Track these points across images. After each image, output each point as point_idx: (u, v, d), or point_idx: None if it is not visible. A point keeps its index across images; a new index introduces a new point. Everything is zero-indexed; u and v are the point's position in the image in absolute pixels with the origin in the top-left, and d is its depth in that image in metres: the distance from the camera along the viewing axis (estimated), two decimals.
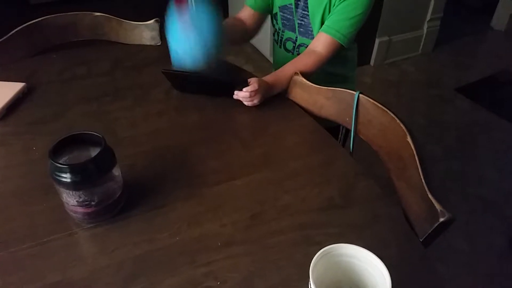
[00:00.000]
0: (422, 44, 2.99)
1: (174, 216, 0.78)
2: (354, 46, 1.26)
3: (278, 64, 1.34)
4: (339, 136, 1.22)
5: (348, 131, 1.31)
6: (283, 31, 1.27)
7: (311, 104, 1.09)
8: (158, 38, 1.38)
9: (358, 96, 0.98)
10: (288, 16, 1.24)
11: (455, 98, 2.63)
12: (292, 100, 1.11)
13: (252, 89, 1.01)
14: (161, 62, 1.28)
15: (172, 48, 1.00)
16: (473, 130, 2.40)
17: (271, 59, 2.48)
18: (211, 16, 0.99)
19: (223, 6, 3.01)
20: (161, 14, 1.42)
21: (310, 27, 1.20)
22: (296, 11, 1.21)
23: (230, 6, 2.97)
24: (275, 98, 1.09)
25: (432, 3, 2.81)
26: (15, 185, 0.85)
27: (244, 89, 1.02)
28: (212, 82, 1.08)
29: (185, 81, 1.09)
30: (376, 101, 0.95)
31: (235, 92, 1.04)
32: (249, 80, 1.03)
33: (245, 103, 1.04)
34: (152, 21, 1.36)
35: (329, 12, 1.15)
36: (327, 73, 1.21)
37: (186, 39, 0.97)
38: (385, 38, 2.79)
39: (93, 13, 1.41)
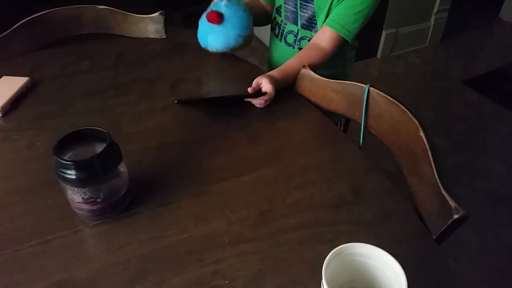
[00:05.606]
0: (429, 36, 2.95)
1: (181, 213, 0.76)
2: (356, 44, 1.24)
3: (275, 58, 1.32)
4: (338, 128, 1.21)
5: (347, 122, 1.30)
6: (285, 24, 1.25)
7: (320, 97, 1.06)
8: (163, 31, 1.35)
9: (369, 89, 0.96)
10: (292, 9, 1.22)
11: (462, 91, 2.60)
12: (300, 94, 1.09)
13: (269, 96, 1.01)
14: (166, 55, 1.27)
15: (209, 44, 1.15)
16: (481, 123, 2.37)
17: None
18: (243, 12, 1.12)
19: None
20: (162, 7, 1.41)
21: (314, 20, 1.18)
22: (301, 4, 1.19)
23: None
24: (283, 92, 1.07)
25: None
26: (19, 182, 0.83)
27: (260, 98, 1.01)
28: (225, 100, 1.06)
29: (200, 104, 1.07)
30: (388, 95, 0.93)
31: (250, 98, 1.02)
32: (258, 81, 1.01)
33: (257, 105, 1.03)
34: (156, 14, 1.34)
35: (335, 4, 1.13)
36: (327, 72, 1.19)
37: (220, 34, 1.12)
38: (392, 30, 2.76)
39: (97, 6, 1.38)
